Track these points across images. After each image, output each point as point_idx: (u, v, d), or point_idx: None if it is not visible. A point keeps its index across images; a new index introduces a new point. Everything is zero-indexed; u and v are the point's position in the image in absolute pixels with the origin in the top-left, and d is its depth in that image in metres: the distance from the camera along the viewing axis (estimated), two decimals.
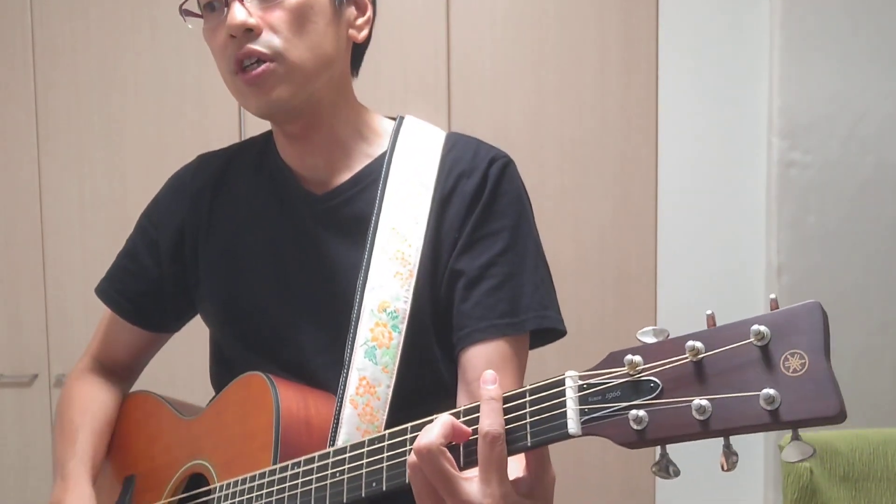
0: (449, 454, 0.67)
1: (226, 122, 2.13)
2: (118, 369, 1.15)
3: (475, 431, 0.68)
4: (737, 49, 2.04)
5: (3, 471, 2.25)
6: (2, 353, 2.23)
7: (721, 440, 0.58)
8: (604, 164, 2.08)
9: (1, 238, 2.22)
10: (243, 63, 0.89)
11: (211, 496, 0.93)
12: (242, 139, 2.17)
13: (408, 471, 0.69)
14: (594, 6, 2.06)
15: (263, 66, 0.88)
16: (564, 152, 2.09)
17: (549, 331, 0.95)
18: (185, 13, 0.95)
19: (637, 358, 0.61)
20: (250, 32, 0.88)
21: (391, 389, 0.90)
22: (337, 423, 0.89)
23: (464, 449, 0.69)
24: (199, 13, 0.94)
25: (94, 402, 1.09)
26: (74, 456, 1.02)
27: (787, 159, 1.99)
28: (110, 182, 2.17)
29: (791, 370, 0.54)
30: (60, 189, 2.19)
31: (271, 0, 0.89)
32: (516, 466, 0.69)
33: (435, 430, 0.68)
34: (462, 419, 0.70)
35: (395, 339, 0.91)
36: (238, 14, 0.87)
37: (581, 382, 0.64)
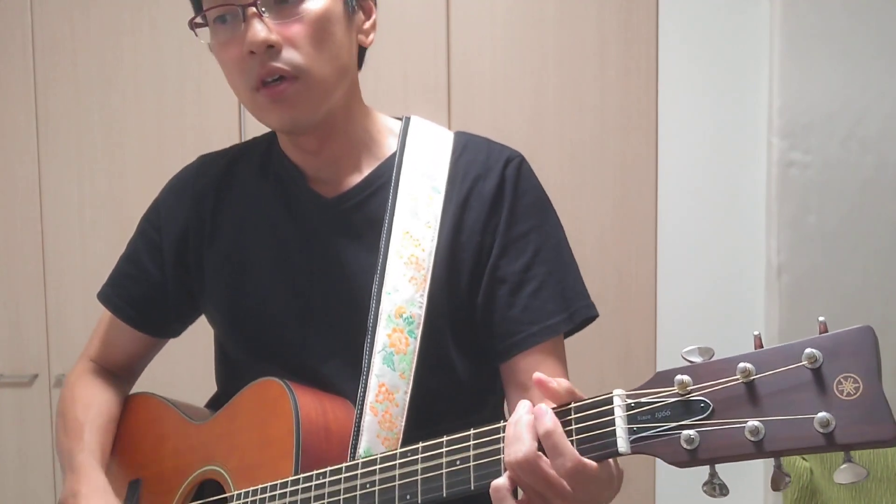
0: (545, 458, 0.67)
1: (226, 122, 2.13)
2: (118, 371, 1.14)
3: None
4: (737, 49, 2.04)
5: (3, 471, 2.25)
6: (2, 353, 2.23)
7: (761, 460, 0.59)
8: (604, 164, 2.08)
9: (1, 238, 2.22)
10: (264, 80, 0.87)
11: None
12: (243, 138, 2.17)
13: (507, 484, 0.68)
14: (594, 6, 2.06)
15: (286, 84, 0.87)
16: (564, 152, 2.08)
17: (586, 318, 0.96)
18: (195, 26, 0.93)
19: (686, 378, 0.62)
20: (271, 49, 0.86)
21: (409, 395, 0.89)
22: (358, 431, 0.88)
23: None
24: (205, 23, 0.92)
25: (96, 399, 1.08)
26: (83, 449, 1.01)
27: (787, 159, 1.99)
28: (110, 182, 2.17)
29: (845, 394, 0.56)
30: (60, 189, 2.19)
31: (291, 15, 0.87)
32: None
33: (526, 438, 0.67)
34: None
35: (412, 345, 0.90)
36: (259, 31, 0.85)
37: (629, 401, 0.65)
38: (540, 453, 0.66)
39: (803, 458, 1.53)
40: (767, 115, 2.01)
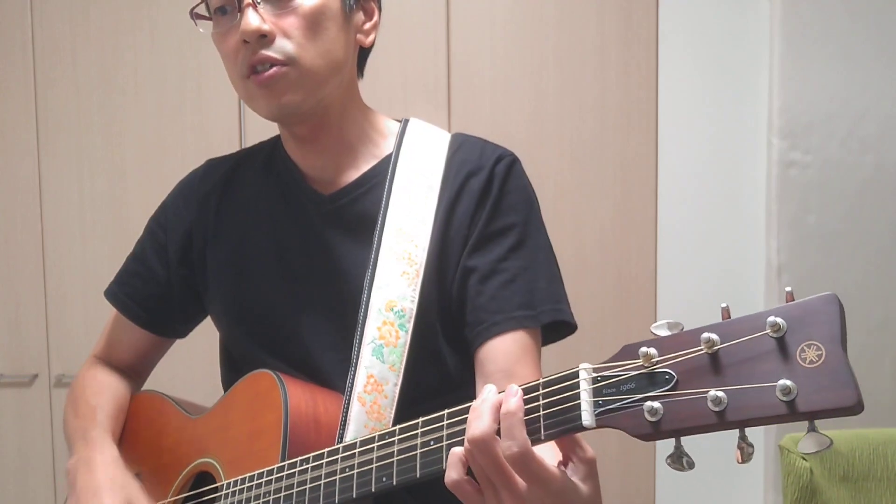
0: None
1: (226, 123, 2.13)
2: (124, 370, 1.15)
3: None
4: (737, 49, 2.04)
5: (3, 471, 2.25)
6: (2, 353, 2.23)
7: (733, 434, 0.58)
8: (604, 164, 2.08)
9: (1, 238, 2.22)
10: (255, 68, 0.89)
11: (218, 493, 0.93)
12: (242, 139, 2.17)
13: (457, 464, 0.68)
14: (594, 6, 2.06)
15: (275, 69, 0.89)
16: (564, 152, 2.08)
17: (561, 326, 0.96)
18: (196, 16, 0.95)
19: (652, 350, 0.61)
20: (264, 38, 0.88)
21: (398, 388, 0.90)
22: (345, 421, 0.89)
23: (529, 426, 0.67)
24: (208, 16, 0.94)
25: (107, 387, 1.09)
26: (97, 426, 1.02)
27: (787, 159, 1.99)
28: (110, 182, 2.17)
29: (807, 361, 0.54)
30: (60, 189, 2.19)
31: (285, 7, 0.89)
32: (551, 455, 0.69)
33: (486, 417, 0.66)
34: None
35: (402, 338, 0.91)
36: (252, 20, 0.87)
37: (595, 375, 0.64)
38: (497, 437, 0.66)
39: (803, 458, 1.53)
40: (767, 116, 2.01)
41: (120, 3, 2.15)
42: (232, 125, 2.13)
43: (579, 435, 0.67)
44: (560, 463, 0.69)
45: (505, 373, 0.90)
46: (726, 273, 2.07)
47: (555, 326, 0.95)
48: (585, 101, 2.07)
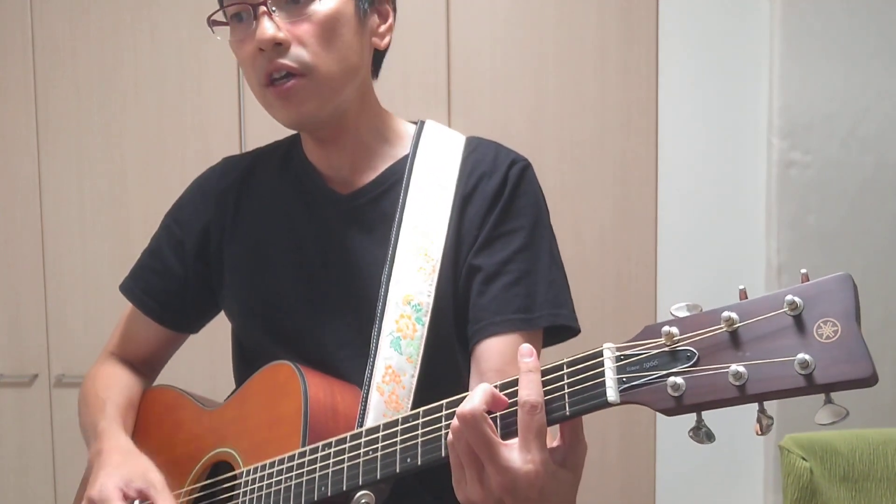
0: (490, 421, 0.70)
1: (226, 123, 2.13)
2: (137, 365, 1.16)
3: (513, 403, 0.71)
4: (737, 49, 2.04)
5: (3, 471, 2.25)
6: (2, 353, 2.23)
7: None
8: (604, 164, 2.08)
9: (1, 238, 2.22)
10: (272, 76, 0.91)
11: (237, 481, 0.94)
12: (242, 139, 2.17)
13: (449, 436, 0.71)
14: (594, 6, 2.06)
15: (293, 81, 0.90)
16: (564, 152, 2.08)
17: (563, 329, 0.97)
18: (213, 23, 0.96)
19: (673, 329, 0.64)
20: (279, 46, 0.89)
21: (415, 379, 0.92)
22: (364, 410, 0.90)
23: (501, 421, 0.72)
24: (226, 21, 0.95)
25: (117, 381, 1.11)
26: (105, 418, 1.03)
27: (787, 159, 1.99)
28: (110, 182, 2.17)
29: (824, 337, 0.57)
30: (60, 189, 2.19)
31: (300, 14, 0.90)
32: (550, 437, 0.72)
33: (477, 396, 0.70)
34: (501, 392, 0.73)
35: (419, 331, 0.93)
36: (268, 28, 0.88)
37: (618, 353, 0.67)
38: (486, 415, 0.69)
39: (803, 458, 1.53)
40: (767, 115, 2.01)
41: (120, 3, 2.15)
42: (232, 125, 2.13)
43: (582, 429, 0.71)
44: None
45: (497, 372, 0.91)
46: (726, 273, 2.07)
47: (556, 330, 0.97)
48: (585, 101, 2.07)
